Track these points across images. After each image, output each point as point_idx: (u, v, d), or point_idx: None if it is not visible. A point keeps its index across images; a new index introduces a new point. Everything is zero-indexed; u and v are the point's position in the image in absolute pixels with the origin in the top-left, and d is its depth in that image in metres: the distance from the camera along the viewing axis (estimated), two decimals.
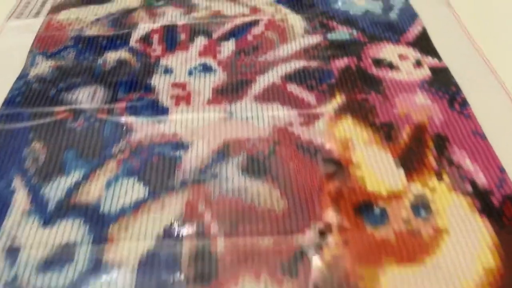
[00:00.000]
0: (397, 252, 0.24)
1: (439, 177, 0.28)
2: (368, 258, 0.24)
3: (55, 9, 0.41)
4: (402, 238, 0.25)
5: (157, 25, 0.39)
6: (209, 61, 0.36)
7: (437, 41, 0.38)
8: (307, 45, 0.37)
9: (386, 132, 0.30)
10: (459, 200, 0.27)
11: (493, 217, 0.26)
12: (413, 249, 0.24)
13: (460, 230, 0.25)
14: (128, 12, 0.41)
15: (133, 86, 0.34)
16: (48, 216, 0.26)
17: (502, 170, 0.28)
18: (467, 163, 0.29)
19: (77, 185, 0.27)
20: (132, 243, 0.25)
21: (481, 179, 0.28)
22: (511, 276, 0.23)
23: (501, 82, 0.34)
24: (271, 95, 0.33)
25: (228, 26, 0.39)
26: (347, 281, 0.23)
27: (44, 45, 0.37)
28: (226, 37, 0.38)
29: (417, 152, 0.29)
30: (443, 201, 0.27)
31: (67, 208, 0.26)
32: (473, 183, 0.27)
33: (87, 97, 0.33)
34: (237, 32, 0.39)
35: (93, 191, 0.27)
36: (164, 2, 0.42)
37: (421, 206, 0.26)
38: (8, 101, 0.32)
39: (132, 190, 0.27)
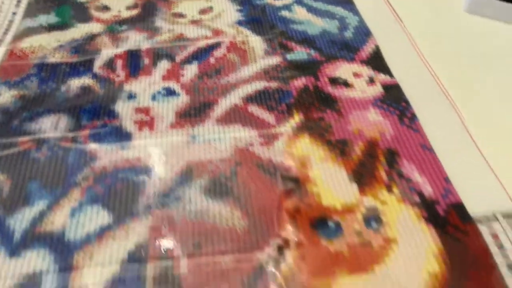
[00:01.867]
0: (349, 263, 0.26)
1: (390, 190, 0.30)
2: (322, 270, 0.25)
3: (18, 37, 0.41)
4: (355, 249, 0.26)
5: (120, 50, 0.40)
6: (173, 85, 0.37)
7: (389, 58, 0.40)
8: (268, 66, 0.39)
9: (340, 149, 0.32)
10: (408, 211, 0.29)
11: (438, 226, 0.28)
12: (364, 259, 0.26)
13: (408, 240, 0.27)
14: (91, 38, 0.41)
15: (96, 113, 0.34)
16: (14, 247, 0.26)
17: (447, 181, 0.30)
18: (416, 176, 0.31)
19: (42, 215, 0.28)
20: (97, 269, 0.25)
21: (428, 190, 0.30)
22: (454, 280, 0.25)
23: (449, 97, 0.37)
24: (233, 117, 0.35)
25: (190, 49, 0.41)
26: None
27: (7, 74, 0.37)
28: (189, 60, 0.40)
29: (369, 167, 0.31)
30: (392, 213, 0.28)
31: (33, 238, 0.27)
32: (421, 194, 0.29)
33: (50, 126, 0.33)
34: (200, 55, 0.40)
35: (57, 220, 0.28)
36: (127, 26, 0.43)
37: (372, 218, 0.28)
38: None
39: (97, 217, 0.28)
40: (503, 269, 0.26)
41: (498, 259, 0.26)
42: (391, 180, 0.30)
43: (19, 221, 0.28)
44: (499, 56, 0.42)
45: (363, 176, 0.31)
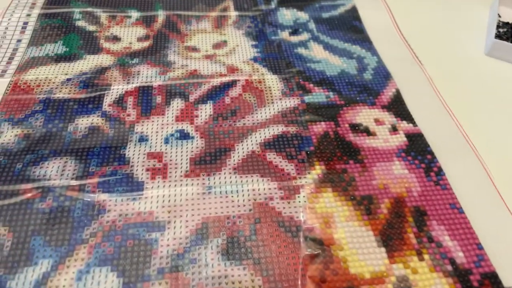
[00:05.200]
0: None
1: (420, 256, 0.28)
2: None
3: (23, 68, 0.39)
4: None
5: (131, 86, 0.38)
6: (187, 127, 0.35)
7: (410, 103, 0.39)
8: (285, 109, 0.37)
9: (366, 206, 0.30)
10: (441, 281, 0.27)
11: None
12: None
13: None
14: (101, 71, 0.39)
15: (106, 158, 0.32)
16: None
17: (479, 247, 0.29)
18: (446, 240, 0.29)
19: (45, 278, 0.26)
20: None
21: (461, 258, 0.28)
22: None
23: (474, 149, 0.35)
24: (251, 165, 0.33)
25: (205, 88, 0.39)
26: None
27: (11, 109, 0.35)
28: (203, 99, 0.38)
29: (397, 228, 0.29)
30: (425, 283, 0.27)
31: None
32: (453, 262, 0.28)
33: (56, 171, 0.31)
34: (215, 94, 0.38)
35: (62, 285, 0.25)
36: (139, 60, 0.41)
37: None
38: None
39: (105, 281, 0.26)
40: None
41: None
42: (421, 244, 0.28)
43: (21, 284, 0.25)
44: None
45: (391, 238, 0.29)
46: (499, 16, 0.50)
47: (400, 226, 0.29)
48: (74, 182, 0.30)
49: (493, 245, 0.29)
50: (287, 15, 0.48)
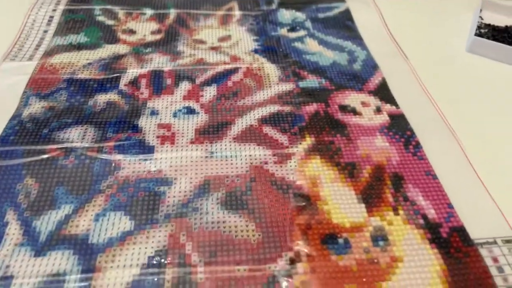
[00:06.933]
0: (357, 278, 0.27)
1: (396, 211, 0.32)
2: (332, 284, 0.27)
3: (48, 54, 0.44)
4: (362, 265, 0.28)
5: (144, 70, 0.43)
6: (193, 104, 0.40)
7: (395, 90, 0.43)
8: (281, 92, 0.42)
9: (349, 171, 0.34)
10: (413, 232, 0.30)
11: (441, 247, 0.29)
12: (372, 275, 0.27)
13: (413, 259, 0.29)
14: (118, 57, 0.44)
15: (121, 127, 0.37)
16: (39, 247, 0.28)
17: (450, 206, 0.32)
18: (420, 199, 0.32)
19: (67, 219, 0.30)
20: (118, 272, 0.27)
21: (432, 214, 0.31)
22: None
23: (450, 127, 0.39)
24: (249, 136, 0.37)
25: (210, 73, 0.43)
26: None
27: (37, 86, 0.40)
28: (208, 82, 0.42)
29: (376, 189, 0.33)
30: (398, 233, 0.30)
31: (58, 239, 0.28)
32: (425, 217, 0.31)
33: (78, 136, 0.35)
34: (218, 79, 0.43)
35: (82, 224, 0.29)
36: (151, 49, 0.46)
37: (379, 237, 0.30)
38: (2, 139, 0.35)
39: (119, 223, 0.30)
40: None
41: (498, 282, 0.28)
42: (397, 202, 0.32)
43: (45, 223, 0.29)
44: (496, 91, 0.44)
45: (370, 197, 0.32)
46: (481, 19, 0.54)
47: (379, 188, 0.33)
48: (93, 145, 0.35)
49: (463, 206, 0.32)
50: (286, 14, 0.53)
